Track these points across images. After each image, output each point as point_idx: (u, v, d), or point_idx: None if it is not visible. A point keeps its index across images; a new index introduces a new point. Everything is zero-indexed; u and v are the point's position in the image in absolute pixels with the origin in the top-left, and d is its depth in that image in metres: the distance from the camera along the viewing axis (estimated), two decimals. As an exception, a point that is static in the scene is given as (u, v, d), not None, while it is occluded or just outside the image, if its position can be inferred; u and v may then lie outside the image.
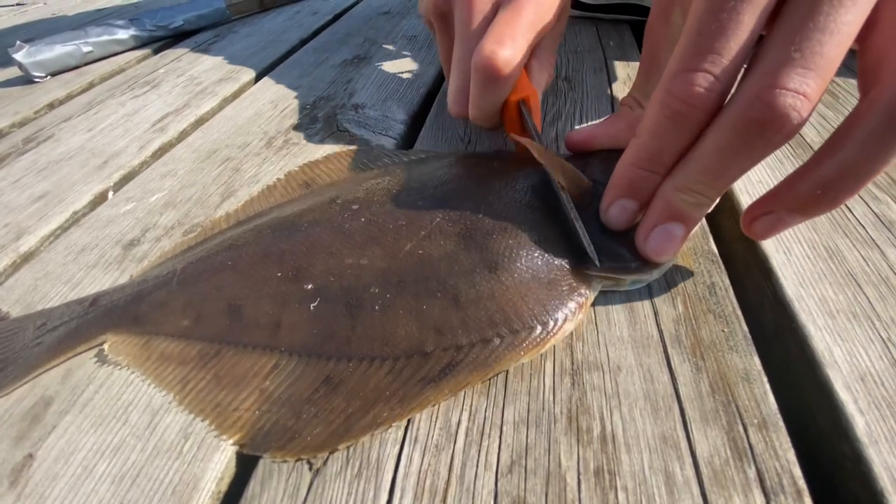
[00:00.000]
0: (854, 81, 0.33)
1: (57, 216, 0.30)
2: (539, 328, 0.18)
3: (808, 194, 0.17)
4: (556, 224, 0.21)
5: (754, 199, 0.19)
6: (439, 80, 0.43)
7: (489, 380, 0.18)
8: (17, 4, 0.94)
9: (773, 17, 0.16)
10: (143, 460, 0.17)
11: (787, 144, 0.29)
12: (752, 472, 0.14)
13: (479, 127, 0.29)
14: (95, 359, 0.20)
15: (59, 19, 0.78)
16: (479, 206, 0.21)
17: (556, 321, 0.18)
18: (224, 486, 0.16)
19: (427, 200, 0.22)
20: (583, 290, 0.19)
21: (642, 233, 0.19)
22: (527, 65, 0.28)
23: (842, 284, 0.20)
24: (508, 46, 0.24)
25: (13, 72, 0.53)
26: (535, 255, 0.20)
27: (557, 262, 0.20)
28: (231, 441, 0.17)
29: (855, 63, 0.17)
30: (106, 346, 0.20)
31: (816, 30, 0.14)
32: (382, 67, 0.45)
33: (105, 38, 0.55)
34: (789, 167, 0.27)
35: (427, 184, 0.24)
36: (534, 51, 0.28)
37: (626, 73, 0.40)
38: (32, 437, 0.18)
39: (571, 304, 0.19)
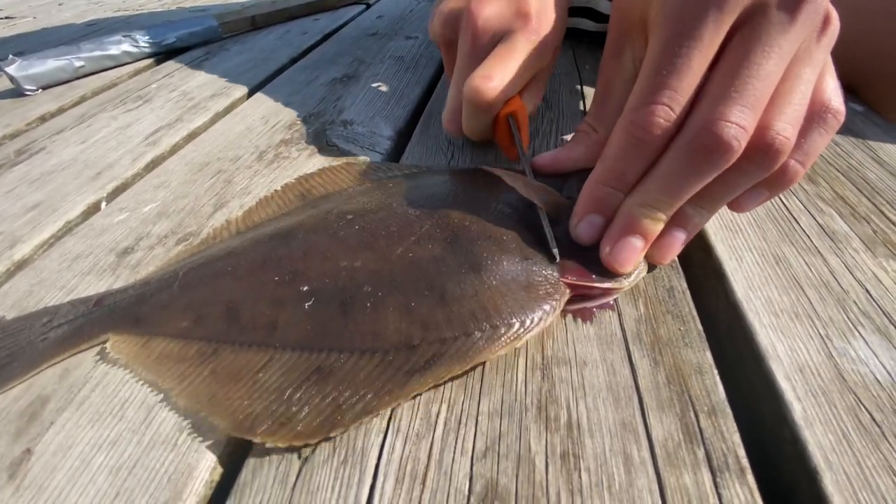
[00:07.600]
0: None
1: (50, 225, 0.30)
2: (517, 324, 0.19)
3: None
4: (535, 235, 0.23)
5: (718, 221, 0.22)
6: (425, 99, 0.45)
7: (467, 374, 0.19)
8: (6, 18, 0.94)
9: (713, 64, 0.19)
10: (140, 453, 0.17)
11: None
12: (700, 453, 0.16)
13: (472, 139, 0.32)
14: (93, 358, 0.21)
15: (49, 32, 0.79)
16: (466, 215, 0.23)
17: (531, 320, 0.19)
18: (217, 476, 0.17)
19: (417, 210, 0.24)
20: (556, 295, 0.21)
21: (606, 245, 0.21)
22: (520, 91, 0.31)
23: (786, 287, 0.22)
24: (496, 80, 0.27)
25: (4, 84, 0.54)
26: (516, 260, 0.21)
27: (535, 268, 0.21)
28: (224, 425, 0.18)
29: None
30: (108, 345, 0.21)
31: (751, 76, 0.18)
32: (370, 86, 0.47)
33: (97, 53, 0.56)
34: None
35: (418, 196, 0.25)
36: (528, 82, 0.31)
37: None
38: (30, 434, 0.18)
39: (546, 306, 0.20)
